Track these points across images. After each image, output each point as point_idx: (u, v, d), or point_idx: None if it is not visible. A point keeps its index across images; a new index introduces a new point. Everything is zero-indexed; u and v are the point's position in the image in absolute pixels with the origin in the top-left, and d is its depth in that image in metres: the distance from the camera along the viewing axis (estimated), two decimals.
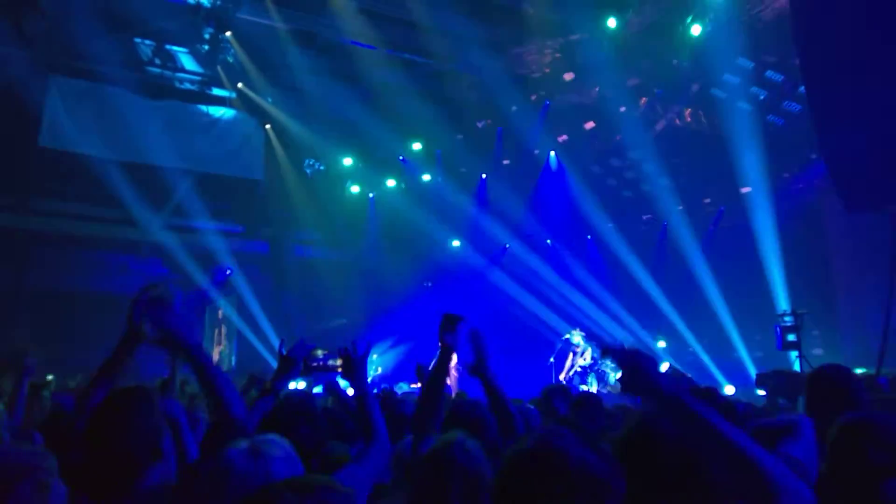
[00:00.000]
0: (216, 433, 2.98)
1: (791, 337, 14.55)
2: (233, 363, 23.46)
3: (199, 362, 3.23)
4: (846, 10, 11.83)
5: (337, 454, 4.00)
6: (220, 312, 24.38)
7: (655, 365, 2.32)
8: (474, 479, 2.66)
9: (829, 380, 4.16)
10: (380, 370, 20.72)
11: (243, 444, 2.51)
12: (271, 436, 2.62)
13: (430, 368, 4.10)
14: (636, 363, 2.32)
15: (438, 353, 4.06)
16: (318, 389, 10.73)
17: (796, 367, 14.15)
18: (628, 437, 2.33)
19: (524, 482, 1.97)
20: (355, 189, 23.68)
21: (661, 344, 20.02)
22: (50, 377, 11.98)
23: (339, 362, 4.29)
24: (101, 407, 3.16)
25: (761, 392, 13.20)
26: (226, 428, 2.95)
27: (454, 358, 14.27)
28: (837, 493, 2.71)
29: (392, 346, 22.14)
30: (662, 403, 2.22)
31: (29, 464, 2.39)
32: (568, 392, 6.62)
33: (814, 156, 17.97)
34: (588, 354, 18.27)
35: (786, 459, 3.12)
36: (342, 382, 4.87)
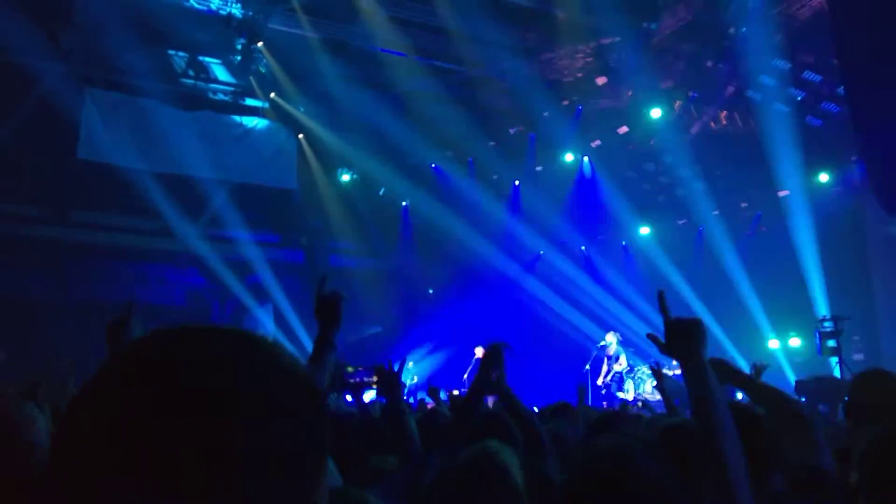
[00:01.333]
0: None
1: (831, 343, 14.36)
2: None
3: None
4: (886, 8, 11.60)
5: (375, 466, 3.99)
6: (257, 322, 24.52)
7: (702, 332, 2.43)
8: (509, 489, 2.59)
9: (874, 386, 3.88)
10: (416, 378, 20.71)
11: None
12: None
13: (463, 397, 4.04)
14: (684, 326, 2.44)
15: (475, 385, 3.87)
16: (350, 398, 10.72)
17: (836, 374, 13.94)
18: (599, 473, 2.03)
19: (596, 497, 1.94)
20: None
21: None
22: None
23: (374, 378, 4.32)
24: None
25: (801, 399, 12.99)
26: None
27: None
28: None
29: (428, 354, 22.12)
30: (698, 368, 2.33)
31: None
32: (570, 408, 6.55)
33: (853, 158, 17.67)
34: (623, 359, 18.15)
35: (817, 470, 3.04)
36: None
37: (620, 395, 17.95)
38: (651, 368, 8.28)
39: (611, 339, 18.33)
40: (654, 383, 16.97)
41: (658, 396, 16.81)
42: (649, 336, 2.62)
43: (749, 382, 3.47)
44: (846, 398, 4.07)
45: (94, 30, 16.99)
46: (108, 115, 19.13)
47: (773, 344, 18.89)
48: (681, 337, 2.42)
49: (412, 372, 20.35)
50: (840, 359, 14.13)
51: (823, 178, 18.69)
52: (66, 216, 20.57)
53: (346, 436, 3.91)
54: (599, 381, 18.16)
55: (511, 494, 2.56)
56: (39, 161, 18.86)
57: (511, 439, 3.83)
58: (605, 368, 18.14)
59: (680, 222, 22.67)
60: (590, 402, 16.36)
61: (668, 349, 2.46)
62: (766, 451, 2.89)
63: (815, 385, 12.79)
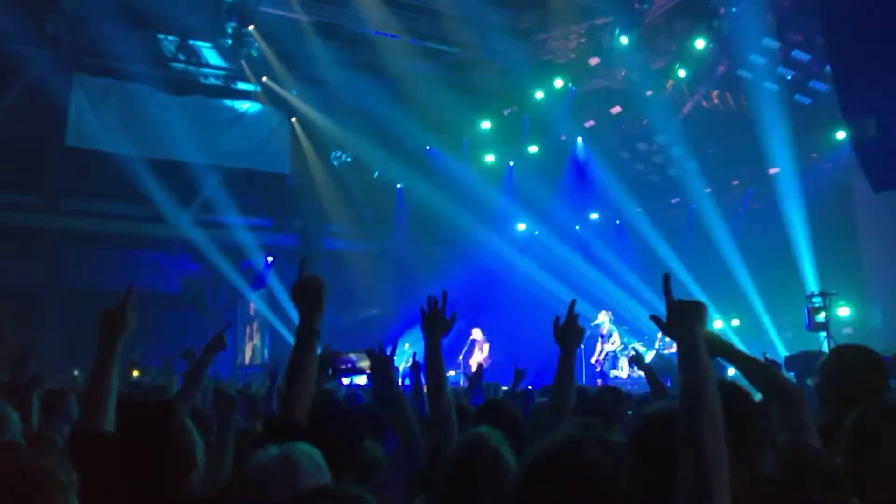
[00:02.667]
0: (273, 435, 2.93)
1: (820, 318, 14.47)
2: (265, 357, 23.61)
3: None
4: None
5: (370, 455, 4.00)
6: (251, 307, 24.57)
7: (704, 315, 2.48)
8: (503, 475, 2.61)
9: (846, 363, 3.72)
10: (411, 362, 20.75)
11: (272, 450, 2.52)
12: (300, 444, 2.61)
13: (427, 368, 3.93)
14: (686, 308, 2.47)
15: (426, 350, 3.87)
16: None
17: (825, 348, 14.05)
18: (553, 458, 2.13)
19: (546, 484, 1.99)
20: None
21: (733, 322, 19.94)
22: (76, 372, 12.04)
23: (366, 363, 4.31)
24: (130, 421, 3.16)
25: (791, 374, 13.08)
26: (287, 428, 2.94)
27: (485, 349, 14.38)
28: (855, 489, 2.59)
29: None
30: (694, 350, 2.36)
31: (39, 474, 2.31)
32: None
33: (842, 135, 17.72)
34: (616, 338, 18.28)
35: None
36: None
37: (614, 372, 18.12)
38: (630, 358, 8.42)
39: (603, 318, 18.47)
40: (648, 361, 17.17)
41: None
42: (652, 317, 2.65)
43: (741, 357, 3.46)
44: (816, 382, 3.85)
45: (82, 15, 16.84)
46: (97, 102, 18.99)
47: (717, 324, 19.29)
48: (683, 318, 2.45)
49: (408, 354, 20.43)
50: (828, 333, 14.26)
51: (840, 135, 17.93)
52: (57, 204, 20.53)
53: (338, 425, 3.88)
54: (593, 360, 18.33)
55: (503, 477, 2.59)
56: (28, 149, 18.79)
57: (511, 424, 3.86)
58: (598, 347, 18.27)
59: (673, 201, 22.77)
60: (583, 381, 16.51)
61: (670, 329, 2.49)
62: (760, 433, 2.92)
63: (804, 360, 12.89)
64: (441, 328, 3.85)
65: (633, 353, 8.10)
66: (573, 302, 4.14)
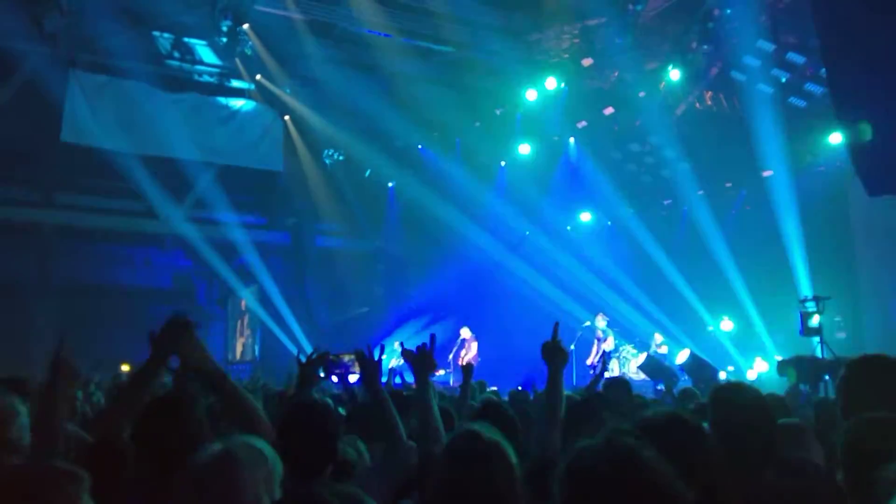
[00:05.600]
0: None
1: (813, 322, 14.46)
2: (256, 354, 23.66)
3: (229, 391, 3.38)
4: None
5: (350, 456, 4.07)
6: (242, 303, 24.59)
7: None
8: (506, 464, 2.58)
9: (869, 375, 3.40)
10: (401, 361, 20.76)
11: (217, 445, 2.54)
12: (246, 438, 2.64)
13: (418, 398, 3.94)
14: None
15: (417, 384, 3.97)
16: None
17: (819, 353, 14.06)
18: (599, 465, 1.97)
19: (595, 485, 1.90)
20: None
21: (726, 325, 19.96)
22: None
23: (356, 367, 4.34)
24: (145, 414, 3.31)
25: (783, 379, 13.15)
26: None
27: (474, 348, 14.36)
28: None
29: (415, 334, 22.22)
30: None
31: (51, 481, 2.30)
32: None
33: (837, 138, 17.70)
34: (611, 340, 18.32)
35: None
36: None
37: (607, 374, 18.15)
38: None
39: (600, 322, 18.52)
40: (639, 362, 17.26)
41: (642, 376, 17.11)
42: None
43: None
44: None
45: (78, 12, 16.82)
46: (92, 98, 18.95)
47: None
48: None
49: (397, 353, 20.46)
50: (822, 339, 14.23)
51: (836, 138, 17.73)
52: (51, 199, 20.54)
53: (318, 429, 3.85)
54: (588, 362, 18.38)
55: (508, 469, 2.57)
56: (23, 144, 18.77)
57: (507, 423, 3.90)
58: (594, 349, 18.31)
59: (665, 202, 22.78)
60: (574, 382, 16.57)
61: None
62: (768, 445, 2.95)
63: (797, 365, 12.92)
64: (430, 368, 3.98)
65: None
66: (556, 324, 4.52)
